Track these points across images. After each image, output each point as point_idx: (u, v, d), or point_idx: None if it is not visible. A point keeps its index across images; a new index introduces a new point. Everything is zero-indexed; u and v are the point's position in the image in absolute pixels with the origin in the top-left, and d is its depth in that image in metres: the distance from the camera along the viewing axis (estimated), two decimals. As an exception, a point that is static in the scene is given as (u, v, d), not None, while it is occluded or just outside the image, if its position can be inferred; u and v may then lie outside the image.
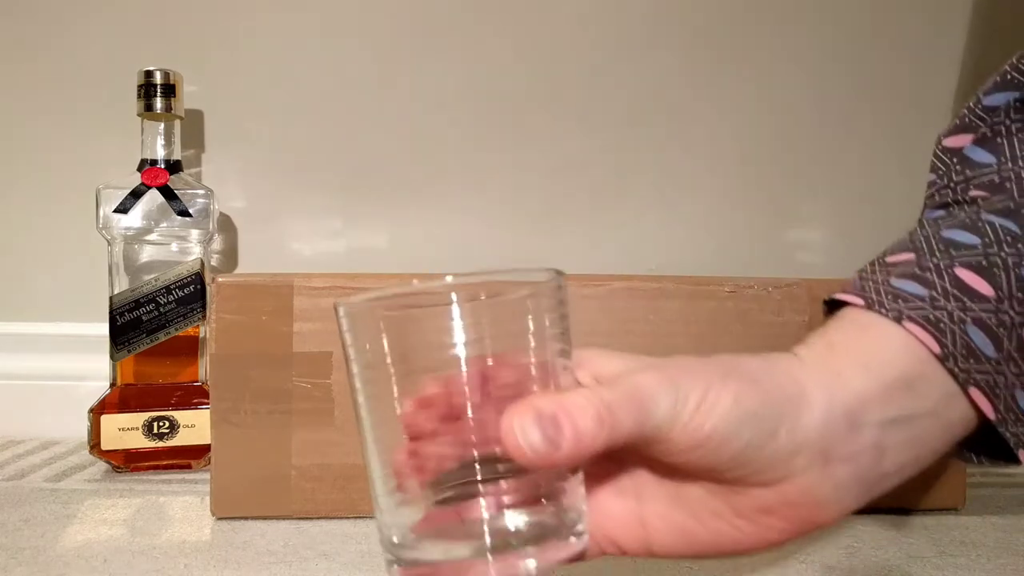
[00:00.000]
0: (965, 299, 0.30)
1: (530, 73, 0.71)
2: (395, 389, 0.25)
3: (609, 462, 0.28)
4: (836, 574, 0.41)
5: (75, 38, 0.68)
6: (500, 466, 0.24)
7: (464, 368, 0.24)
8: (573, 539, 0.26)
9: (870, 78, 0.73)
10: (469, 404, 0.24)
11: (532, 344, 0.25)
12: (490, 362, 0.25)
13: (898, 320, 0.29)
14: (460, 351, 0.24)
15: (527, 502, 0.25)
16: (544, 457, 0.23)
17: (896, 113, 0.73)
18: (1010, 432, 0.30)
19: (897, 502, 0.50)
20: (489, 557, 0.24)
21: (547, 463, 0.24)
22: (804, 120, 0.73)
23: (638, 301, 0.48)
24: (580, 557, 0.27)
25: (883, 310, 0.30)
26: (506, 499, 0.25)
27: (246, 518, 0.47)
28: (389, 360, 0.25)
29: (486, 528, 0.24)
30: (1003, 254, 0.31)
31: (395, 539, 0.25)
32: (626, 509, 0.30)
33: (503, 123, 0.71)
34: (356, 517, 0.47)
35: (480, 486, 0.24)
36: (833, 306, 0.33)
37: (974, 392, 0.29)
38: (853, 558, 0.43)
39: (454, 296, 0.24)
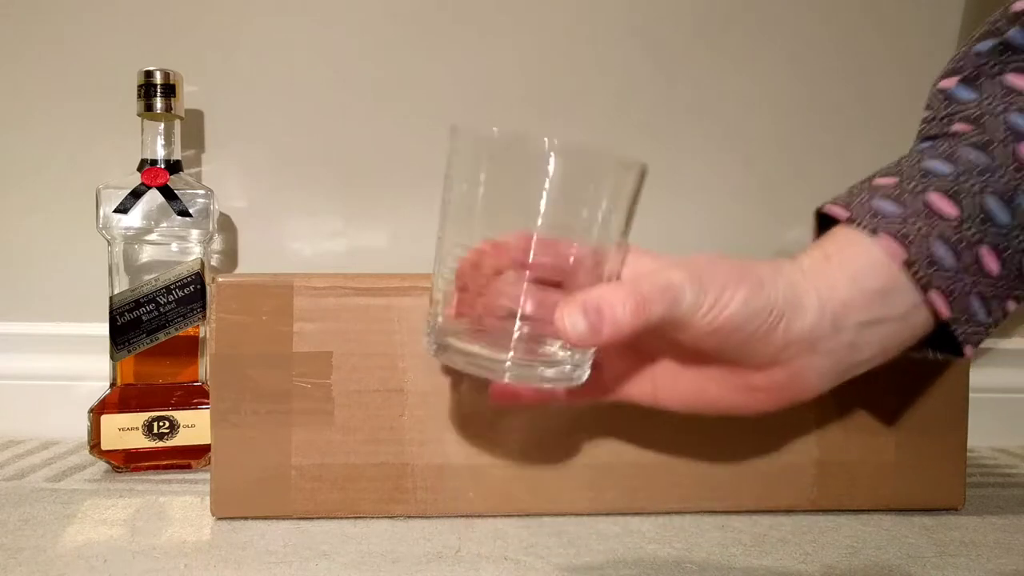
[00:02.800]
0: (933, 218, 0.35)
1: (528, 74, 0.71)
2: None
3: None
4: (836, 574, 0.41)
5: (75, 38, 0.68)
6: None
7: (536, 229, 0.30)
8: (582, 372, 0.31)
9: (870, 77, 0.73)
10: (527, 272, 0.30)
11: (599, 224, 0.32)
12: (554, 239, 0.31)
13: (874, 232, 0.35)
14: (541, 206, 0.30)
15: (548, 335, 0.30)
16: (589, 340, 0.29)
17: (896, 113, 0.73)
18: (959, 331, 0.36)
19: (897, 502, 0.50)
20: (508, 359, 0.30)
21: (591, 344, 0.29)
22: (804, 119, 0.73)
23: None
24: (587, 393, 0.34)
25: (863, 225, 0.36)
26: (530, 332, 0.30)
27: (246, 518, 0.47)
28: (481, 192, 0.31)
29: (513, 340, 0.30)
30: (970, 182, 0.36)
31: (440, 320, 0.31)
32: (639, 368, 0.35)
33: (502, 124, 0.71)
34: (356, 517, 0.47)
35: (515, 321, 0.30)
36: (822, 217, 0.39)
37: (933, 294, 0.35)
38: (853, 558, 0.43)
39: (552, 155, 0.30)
